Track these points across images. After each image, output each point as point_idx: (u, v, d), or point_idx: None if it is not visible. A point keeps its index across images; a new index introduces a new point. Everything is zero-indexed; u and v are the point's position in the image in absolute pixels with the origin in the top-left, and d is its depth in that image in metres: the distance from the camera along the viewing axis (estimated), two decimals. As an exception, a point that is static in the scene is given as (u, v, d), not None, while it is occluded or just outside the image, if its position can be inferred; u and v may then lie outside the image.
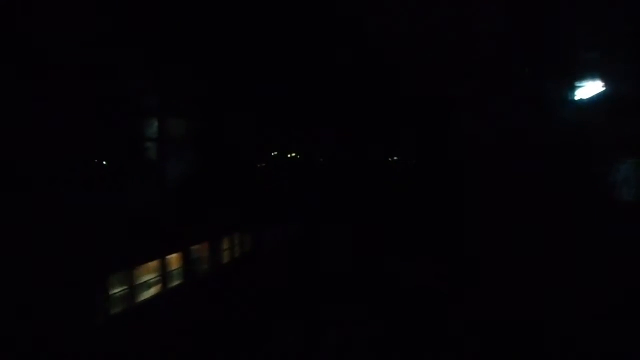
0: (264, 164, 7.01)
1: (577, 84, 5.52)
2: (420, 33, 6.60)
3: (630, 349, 3.52)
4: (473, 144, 7.12)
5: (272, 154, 7.35)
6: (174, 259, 4.24)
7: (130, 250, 3.53)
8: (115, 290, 3.56)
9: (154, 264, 3.92)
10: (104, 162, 3.58)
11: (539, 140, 5.83)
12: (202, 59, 5.24)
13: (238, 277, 5.36)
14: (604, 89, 5.27)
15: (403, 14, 6.44)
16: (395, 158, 8.86)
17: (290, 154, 7.96)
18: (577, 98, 5.61)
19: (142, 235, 3.66)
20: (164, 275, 4.03)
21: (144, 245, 3.71)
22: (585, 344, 3.67)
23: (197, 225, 4.56)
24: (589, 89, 5.44)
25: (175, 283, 4.24)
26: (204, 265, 4.79)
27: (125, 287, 3.50)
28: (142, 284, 3.73)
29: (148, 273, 3.88)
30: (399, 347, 3.98)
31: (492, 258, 5.83)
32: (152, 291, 3.89)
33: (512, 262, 5.44)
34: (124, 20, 3.87)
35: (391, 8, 6.53)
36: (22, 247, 2.75)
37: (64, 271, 2.92)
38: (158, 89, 4.40)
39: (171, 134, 4.53)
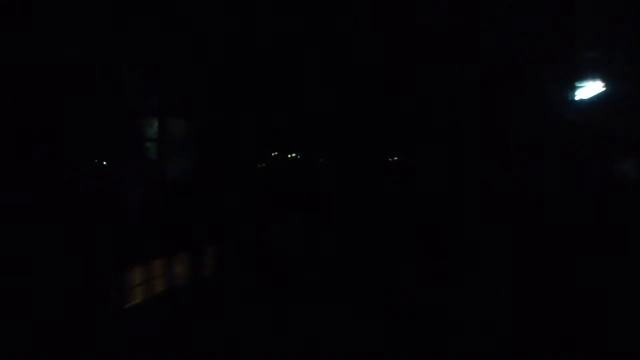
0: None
1: (577, 84, 5.51)
2: (421, 32, 6.61)
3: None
4: (474, 144, 7.12)
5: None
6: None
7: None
8: None
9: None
10: None
11: (542, 140, 5.83)
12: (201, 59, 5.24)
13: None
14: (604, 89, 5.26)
15: (402, 12, 6.45)
16: (396, 158, 8.88)
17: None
18: (577, 98, 5.60)
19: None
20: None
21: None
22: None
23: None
24: (589, 89, 5.43)
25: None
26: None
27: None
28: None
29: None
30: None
31: (493, 260, 5.83)
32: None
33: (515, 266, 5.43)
34: (123, 19, 3.88)
35: (388, 6, 6.53)
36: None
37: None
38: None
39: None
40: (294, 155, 8.37)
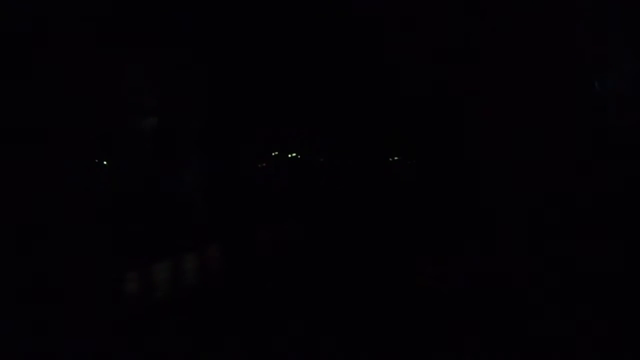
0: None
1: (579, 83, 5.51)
2: (422, 31, 6.60)
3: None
4: (474, 143, 7.11)
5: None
6: None
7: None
8: None
9: None
10: None
11: (544, 139, 5.82)
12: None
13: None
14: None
15: (403, 11, 6.45)
16: (396, 158, 8.89)
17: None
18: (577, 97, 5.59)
19: None
20: None
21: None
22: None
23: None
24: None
25: None
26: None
27: None
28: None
29: None
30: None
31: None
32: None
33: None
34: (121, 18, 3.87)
35: (389, 5, 6.52)
36: None
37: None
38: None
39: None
40: (294, 155, 8.39)
